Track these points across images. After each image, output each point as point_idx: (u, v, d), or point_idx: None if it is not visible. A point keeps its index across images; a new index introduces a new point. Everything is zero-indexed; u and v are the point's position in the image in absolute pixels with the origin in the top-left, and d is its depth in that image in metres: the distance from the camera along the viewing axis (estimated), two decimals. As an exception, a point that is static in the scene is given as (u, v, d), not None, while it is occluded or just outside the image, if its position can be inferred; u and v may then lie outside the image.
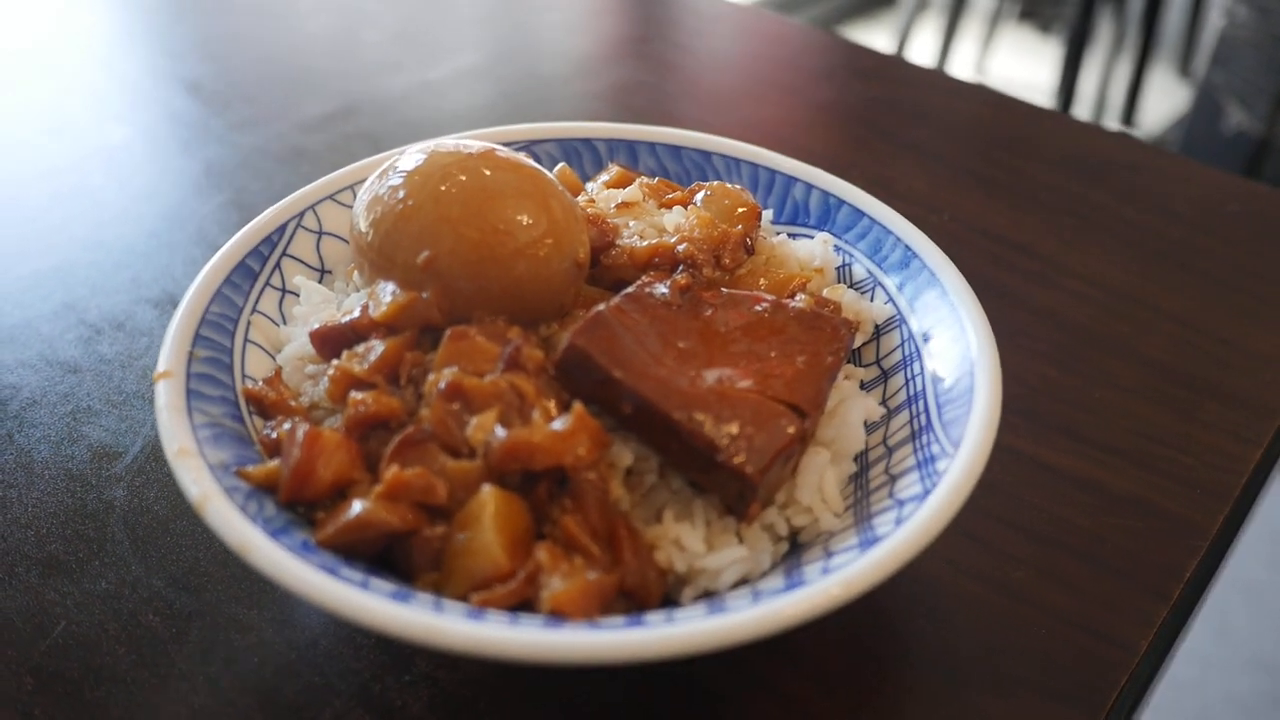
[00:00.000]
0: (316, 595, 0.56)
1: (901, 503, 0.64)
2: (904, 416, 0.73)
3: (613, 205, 0.83)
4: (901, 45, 3.76)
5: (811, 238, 0.86)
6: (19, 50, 1.48)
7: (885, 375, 0.78)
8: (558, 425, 0.64)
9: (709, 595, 0.64)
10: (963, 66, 4.27)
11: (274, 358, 0.77)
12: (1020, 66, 4.35)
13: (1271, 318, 1.03)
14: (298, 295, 0.81)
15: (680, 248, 0.77)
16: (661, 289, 0.72)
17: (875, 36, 4.60)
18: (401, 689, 0.69)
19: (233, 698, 0.69)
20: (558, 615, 0.59)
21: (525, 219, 0.72)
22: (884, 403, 0.76)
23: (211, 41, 1.54)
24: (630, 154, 0.93)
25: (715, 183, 0.85)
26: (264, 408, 0.72)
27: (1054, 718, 0.69)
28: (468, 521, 0.62)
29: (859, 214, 0.85)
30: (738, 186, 0.85)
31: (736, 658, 0.70)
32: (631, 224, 0.81)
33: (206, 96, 1.37)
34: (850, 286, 0.84)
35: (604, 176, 0.90)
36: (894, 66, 1.52)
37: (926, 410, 0.71)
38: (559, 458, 0.63)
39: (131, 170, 1.22)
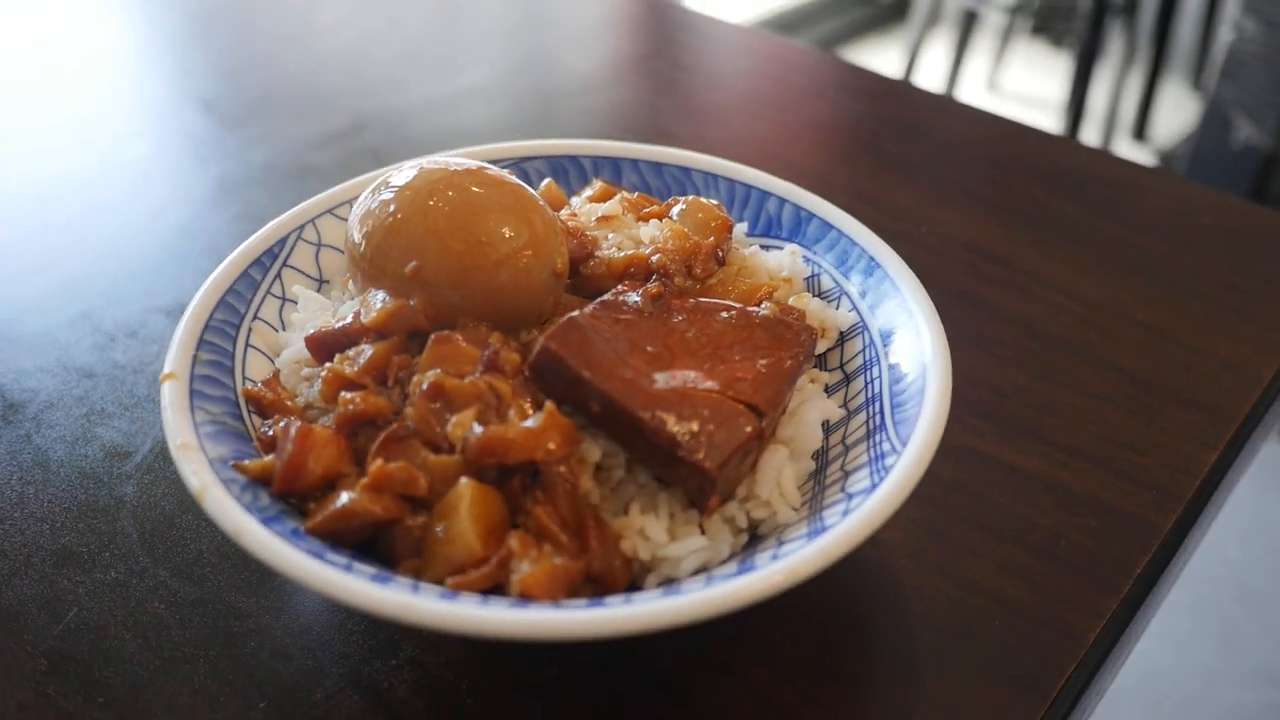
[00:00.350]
0: (304, 576, 0.61)
1: (850, 496, 0.69)
2: (861, 417, 0.78)
3: (594, 219, 0.87)
4: (912, 61, 3.80)
5: (782, 249, 0.91)
6: (44, 68, 1.54)
7: (848, 379, 0.82)
8: (531, 423, 0.69)
9: (670, 581, 0.69)
10: (974, 82, 4.30)
11: (273, 361, 0.82)
12: (1033, 81, 4.37)
13: (1240, 326, 1.06)
14: (297, 303, 0.86)
15: (654, 258, 0.82)
16: (634, 297, 0.77)
17: (887, 52, 4.63)
18: (389, 671, 0.74)
19: (231, 679, 0.73)
20: (525, 597, 0.63)
21: (507, 232, 0.77)
22: (845, 404, 0.81)
23: (227, 61, 1.59)
24: (614, 170, 0.98)
25: (691, 197, 0.90)
26: (262, 407, 0.77)
27: (1005, 703, 0.72)
28: (446, 512, 0.67)
29: (827, 226, 0.90)
30: (712, 201, 0.90)
31: (704, 647, 0.75)
32: (610, 236, 0.86)
33: (220, 114, 1.42)
34: (818, 295, 0.88)
35: (588, 191, 0.94)
36: (882, 84, 1.56)
37: (881, 411, 0.76)
38: (531, 453, 0.68)
39: (147, 185, 1.28)
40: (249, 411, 0.77)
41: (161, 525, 0.84)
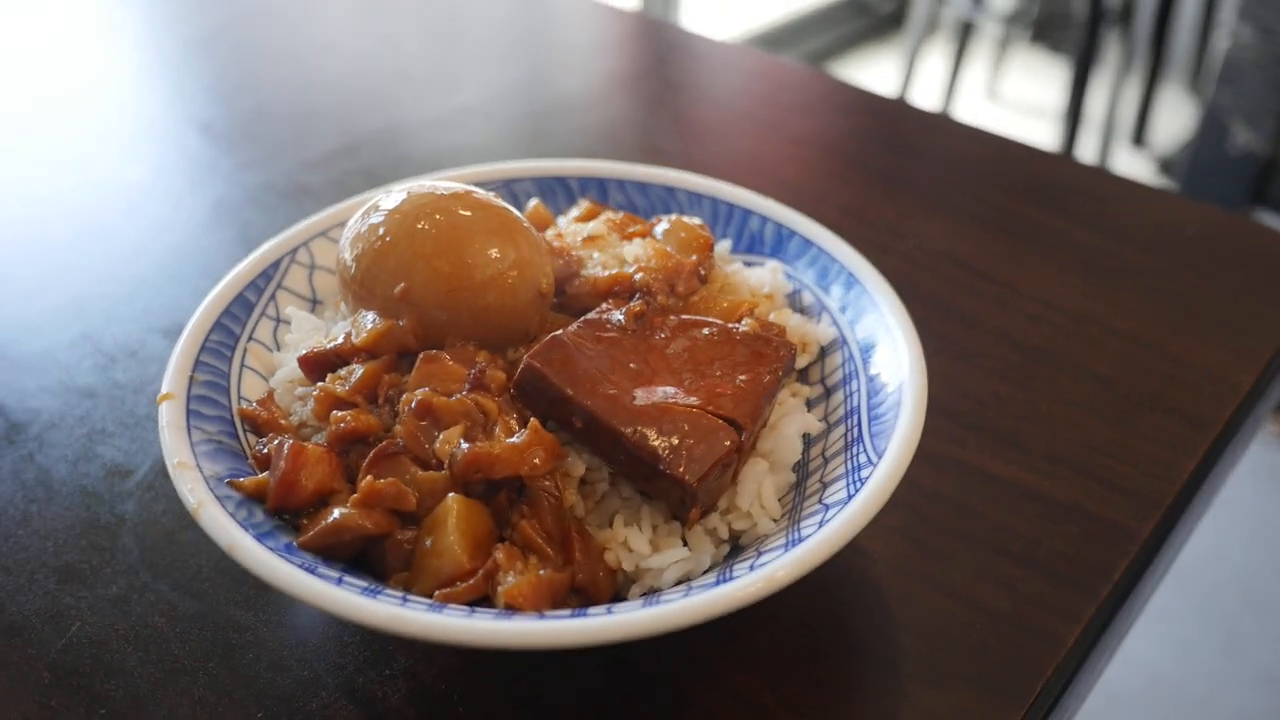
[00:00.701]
0: (296, 590, 0.63)
1: (827, 507, 0.71)
2: (840, 430, 0.80)
3: (579, 239, 0.90)
4: (910, 71, 3.82)
5: (764, 266, 0.93)
6: (43, 94, 1.57)
7: (828, 392, 0.84)
8: (516, 439, 0.71)
9: (653, 592, 0.71)
10: (973, 91, 4.32)
11: (268, 381, 0.84)
12: (1031, 90, 4.39)
13: (1218, 335, 1.08)
14: (290, 324, 0.88)
15: (637, 277, 0.84)
16: (617, 315, 0.79)
17: (884, 63, 4.66)
18: (383, 682, 0.76)
19: (230, 690, 0.75)
20: (511, 608, 0.65)
21: (493, 253, 0.79)
22: (825, 418, 0.83)
23: (223, 83, 1.62)
24: (601, 190, 1.00)
25: (674, 216, 0.92)
26: (257, 426, 0.79)
27: (985, 706, 0.74)
28: (434, 526, 0.69)
29: (808, 243, 0.92)
30: (695, 220, 0.92)
31: (691, 655, 0.77)
32: (595, 255, 0.88)
33: (216, 136, 1.45)
34: (800, 311, 0.90)
35: (575, 211, 0.97)
36: (870, 100, 1.58)
37: (860, 424, 0.78)
38: (516, 468, 0.70)
39: (145, 207, 1.30)
40: (244, 430, 0.79)
41: (161, 541, 0.86)
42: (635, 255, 0.87)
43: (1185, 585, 2.28)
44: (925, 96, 4.12)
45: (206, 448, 0.74)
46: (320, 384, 0.78)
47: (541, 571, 0.67)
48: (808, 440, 0.81)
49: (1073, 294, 1.13)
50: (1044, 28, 4.60)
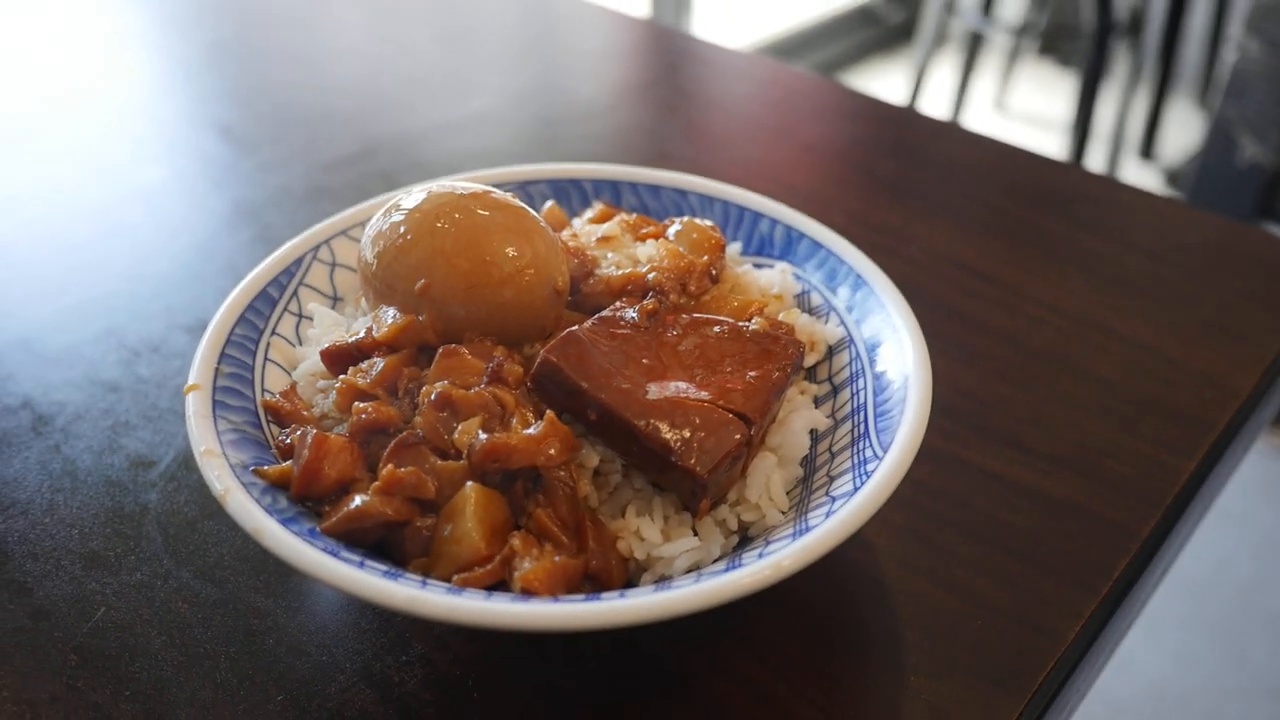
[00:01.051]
0: (320, 572, 0.65)
1: (834, 499, 0.73)
2: (847, 426, 0.82)
3: (594, 239, 0.92)
4: (919, 83, 3.85)
5: (774, 267, 0.95)
6: (67, 96, 1.59)
7: (835, 390, 0.87)
8: (532, 430, 0.73)
9: (664, 579, 0.73)
10: (982, 103, 4.34)
11: (290, 374, 0.87)
12: (1040, 102, 4.41)
13: (1218, 340, 1.10)
14: (312, 319, 0.91)
15: (650, 276, 0.86)
16: (631, 313, 0.81)
17: (893, 75, 4.68)
18: (400, 668, 0.78)
19: (251, 674, 0.77)
20: (527, 592, 0.68)
21: (510, 251, 0.81)
22: (833, 414, 0.85)
23: (242, 87, 1.65)
24: (614, 193, 1.02)
25: (686, 218, 0.95)
26: (280, 417, 0.81)
27: (986, 698, 0.76)
28: (453, 514, 0.72)
29: (817, 246, 0.94)
30: (707, 222, 0.94)
31: (702, 645, 0.79)
32: (609, 256, 0.90)
33: (236, 139, 1.47)
34: (808, 311, 0.92)
35: (589, 213, 0.99)
36: (878, 108, 1.61)
37: (865, 420, 0.80)
38: (533, 458, 0.72)
39: (167, 208, 1.33)
40: (268, 421, 0.82)
41: (184, 530, 0.88)
42: (648, 255, 0.89)
43: (1192, 597, 2.29)
44: (934, 107, 4.14)
45: (232, 437, 0.76)
46: (342, 377, 0.80)
47: (556, 558, 0.69)
48: (815, 435, 0.84)
49: (1075, 298, 1.15)
50: (1052, 40, 4.62)
